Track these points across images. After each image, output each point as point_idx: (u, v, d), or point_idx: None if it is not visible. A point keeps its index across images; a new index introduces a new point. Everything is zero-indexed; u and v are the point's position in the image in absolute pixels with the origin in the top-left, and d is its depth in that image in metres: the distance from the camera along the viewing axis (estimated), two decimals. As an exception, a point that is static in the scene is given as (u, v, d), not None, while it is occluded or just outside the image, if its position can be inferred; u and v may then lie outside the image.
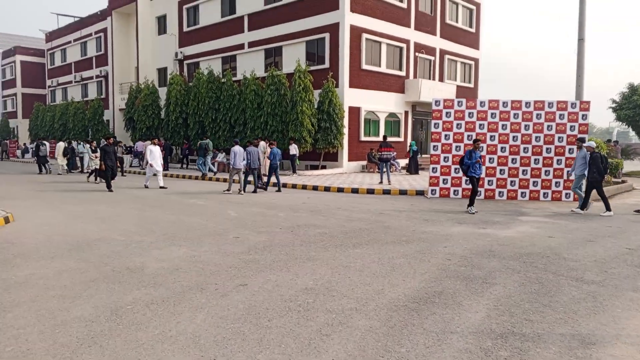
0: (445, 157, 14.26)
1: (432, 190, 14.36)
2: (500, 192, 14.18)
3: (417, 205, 12.61)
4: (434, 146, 14.36)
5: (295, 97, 21.80)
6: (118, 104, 36.79)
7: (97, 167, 18.15)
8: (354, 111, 23.81)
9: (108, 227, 9.09)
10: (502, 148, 14.14)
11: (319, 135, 22.22)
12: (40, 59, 50.77)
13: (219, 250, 7.20)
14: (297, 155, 21.61)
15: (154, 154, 16.70)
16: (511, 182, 14.15)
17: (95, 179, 18.94)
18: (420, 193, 15.00)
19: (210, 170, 22.62)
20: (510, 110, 14.14)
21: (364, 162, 23.99)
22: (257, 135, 23.01)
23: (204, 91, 25.62)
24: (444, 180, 14.31)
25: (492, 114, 14.18)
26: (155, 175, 16.79)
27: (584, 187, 12.00)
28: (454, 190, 14.31)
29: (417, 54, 26.97)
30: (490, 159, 14.16)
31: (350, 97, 23.44)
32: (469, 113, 14.25)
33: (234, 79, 25.75)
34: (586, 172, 11.69)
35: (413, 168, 22.23)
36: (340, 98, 22.53)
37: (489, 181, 14.18)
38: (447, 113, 14.28)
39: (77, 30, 42.71)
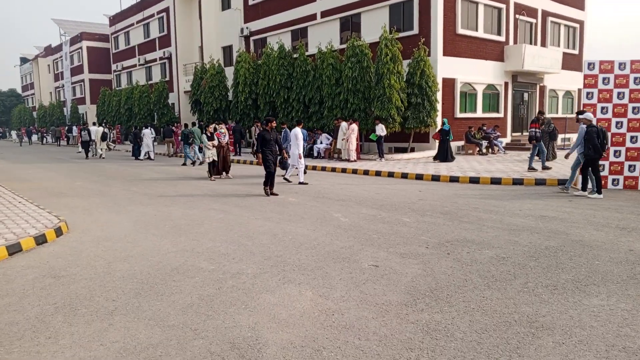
0: (602, 137, 10.93)
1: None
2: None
3: (577, 202, 9.47)
4: (587, 123, 11.05)
5: (382, 69, 18.74)
6: (183, 86, 35.18)
7: (215, 158, 14.51)
8: (448, 83, 20.51)
9: (188, 243, 6.70)
10: (681, 123, 10.64)
11: (409, 112, 19.13)
12: (105, 44, 50.21)
13: (362, 296, 4.57)
14: (384, 136, 18.76)
15: (299, 140, 12.94)
16: (693, 168, 10.66)
17: (210, 176, 14.50)
18: (562, 183, 11.76)
19: (195, 158, 19.71)
20: (694, 72, 10.58)
21: (461, 143, 20.67)
22: (336, 115, 20.32)
23: (275, 68, 23.08)
24: (600, 167, 11.00)
25: (667, 78, 10.67)
26: (294, 166, 13.32)
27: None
28: (613, 180, 11.00)
29: (517, 16, 23.10)
30: (664, 138, 10.72)
31: (445, 67, 20.13)
32: (635, 78, 10.79)
33: (306, 53, 23.03)
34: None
35: (443, 154, 17.33)
36: (433, 69, 19.31)
37: (663, 167, 10.77)
38: (604, 79, 10.89)
39: (139, 11, 41.35)
